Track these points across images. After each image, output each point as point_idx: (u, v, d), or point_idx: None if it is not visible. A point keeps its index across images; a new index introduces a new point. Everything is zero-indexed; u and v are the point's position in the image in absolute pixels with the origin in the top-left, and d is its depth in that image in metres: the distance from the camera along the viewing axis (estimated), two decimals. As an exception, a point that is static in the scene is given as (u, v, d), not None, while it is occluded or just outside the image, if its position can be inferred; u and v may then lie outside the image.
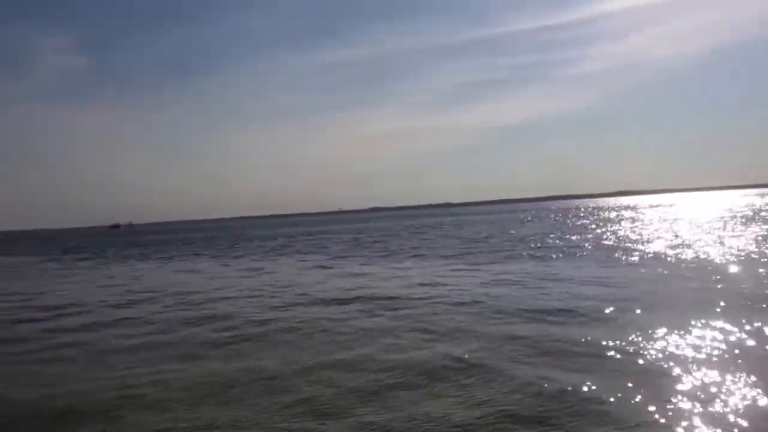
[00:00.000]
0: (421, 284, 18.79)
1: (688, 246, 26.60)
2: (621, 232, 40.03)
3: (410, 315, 13.59)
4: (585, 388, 7.62)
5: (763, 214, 53.39)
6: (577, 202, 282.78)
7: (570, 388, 7.64)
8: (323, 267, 27.67)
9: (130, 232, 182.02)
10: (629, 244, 29.52)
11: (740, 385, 7.48)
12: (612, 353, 9.26)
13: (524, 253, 27.89)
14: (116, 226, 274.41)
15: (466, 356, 9.51)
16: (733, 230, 35.13)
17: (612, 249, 27.69)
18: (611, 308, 12.77)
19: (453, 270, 22.65)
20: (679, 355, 8.90)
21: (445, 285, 18.29)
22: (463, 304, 14.58)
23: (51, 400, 8.53)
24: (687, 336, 9.93)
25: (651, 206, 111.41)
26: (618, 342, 9.80)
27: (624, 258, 23.58)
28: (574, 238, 36.93)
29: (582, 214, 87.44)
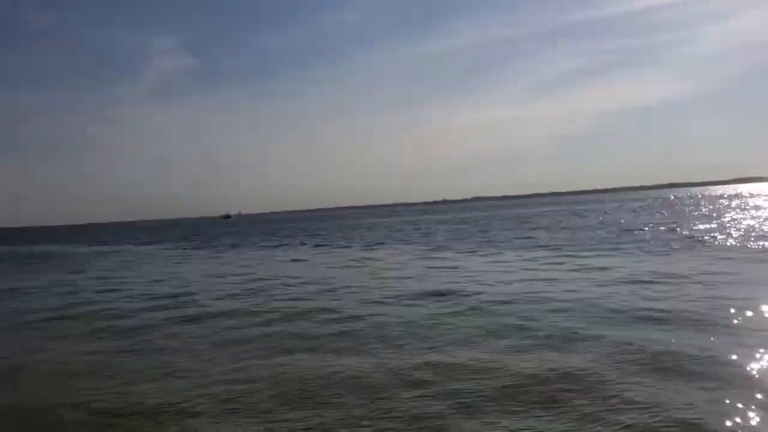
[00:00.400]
0: (528, 280, 17.63)
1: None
2: (747, 222, 36.21)
3: (513, 313, 12.62)
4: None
5: None
6: (692, 190, 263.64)
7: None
8: (426, 258, 27.09)
9: (240, 221, 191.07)
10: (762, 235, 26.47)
11: None
12: None
13: (640, 246, 25.76)
14: (227, 216, 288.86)
15: (581, 369, 8.44)
16: None
17: (743, 241, 24.92)
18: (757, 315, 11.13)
19: (559, 263, 21.24)
20: None
21: (553, 280, 17.05)
22: (572, 302, 13.38)
23: (159, 395, 8.46)
24: None
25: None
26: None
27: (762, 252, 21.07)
28: (698, 227, 33.81)
29: (698, 203, 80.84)
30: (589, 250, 25.62)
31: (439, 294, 15.85)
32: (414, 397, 7.65)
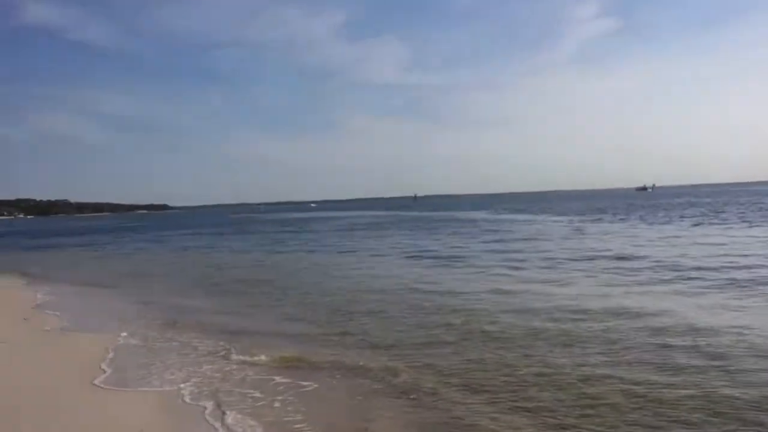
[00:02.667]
0: None
1: None
2: None
3: None
4: None
5: None
6: None
7: None
8: None
9: (654, 194, 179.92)
10: None
11: None
12: None
13: None
14: (643, 189, 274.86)
15: None
16: None
17: None
18: None
19: None
20: None
21: None
22: None
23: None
24: None
25: None
26: None
27: None
28: None
29: None
30: None
31: None
32: None
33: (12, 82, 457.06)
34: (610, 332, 10.86)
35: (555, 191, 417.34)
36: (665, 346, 9.80)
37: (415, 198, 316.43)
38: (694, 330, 10.68)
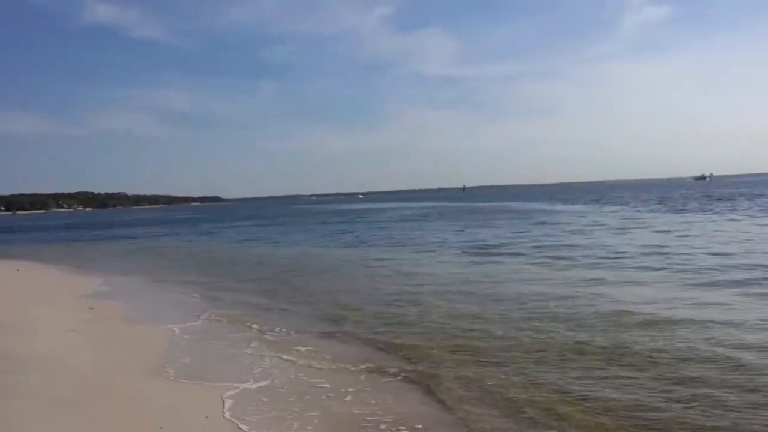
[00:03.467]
0: None
1: None
2: None
3: None
4: None
5: None
6: None
7: None
8: None
9: (712, 184, 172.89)
10: None
11: None
12: None
13: None
14: (702, 178, 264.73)
15: None
16: None
17: None
18: None
19: None
20: None
21: None
22: None
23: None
24: None
25: None
26: None
27: None
28: None
29: None
30: None
31: None
32: None
33: (76, 83, 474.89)
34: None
35: (609, 181, 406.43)
36: None
37: (464, 189, 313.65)
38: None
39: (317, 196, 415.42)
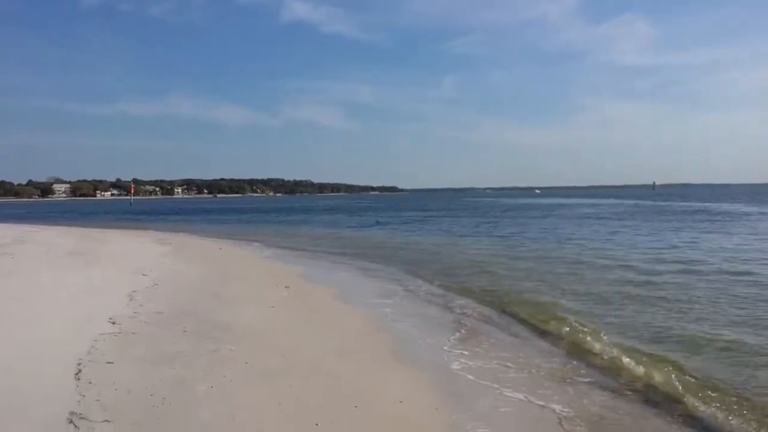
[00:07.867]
0: None
1: None
2: None
3: None
4: None
5: None
6: None
7: None
8: None
9: None
10: None
11: None
12: None
13: None
14: None
15: None
16: None
17: None
18: None
19: None
20: None
21: None
22: None
23: None
24: None
25: None
26: None
27: None
28: None
29: None
30: None
31: None
32: None
33: (273, 79, 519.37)
34: None
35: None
36: None
37: (653, 186, 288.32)
38: None
39: (492, 189, 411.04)
